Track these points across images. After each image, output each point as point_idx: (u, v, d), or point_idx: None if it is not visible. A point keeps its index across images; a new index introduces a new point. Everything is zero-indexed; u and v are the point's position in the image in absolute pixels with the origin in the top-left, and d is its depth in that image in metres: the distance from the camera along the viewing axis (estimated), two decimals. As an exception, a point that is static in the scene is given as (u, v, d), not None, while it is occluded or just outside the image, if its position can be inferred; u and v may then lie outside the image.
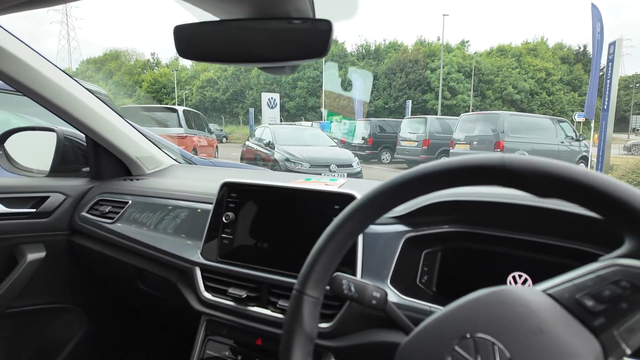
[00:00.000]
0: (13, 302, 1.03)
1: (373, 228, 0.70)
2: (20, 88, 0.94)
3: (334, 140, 15.34)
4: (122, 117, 1.18)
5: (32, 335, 1.11)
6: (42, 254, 1.07)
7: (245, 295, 0.73)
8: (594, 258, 0.38)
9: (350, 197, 0.71)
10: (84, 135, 1.15)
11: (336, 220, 0.46)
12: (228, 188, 0.83)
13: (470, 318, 0.36)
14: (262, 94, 24.20)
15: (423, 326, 0.38)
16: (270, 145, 7.56)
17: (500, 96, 37.21)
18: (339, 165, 6.91)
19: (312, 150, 7.30)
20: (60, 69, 1.00)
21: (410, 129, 13.51)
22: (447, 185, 0.42)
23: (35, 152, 1.24)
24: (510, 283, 0.62)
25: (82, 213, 1.11)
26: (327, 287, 0.46)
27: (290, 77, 39.91)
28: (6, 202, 1.03)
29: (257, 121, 25.20)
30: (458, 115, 11.74)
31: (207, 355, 0.78)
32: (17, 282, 1.02)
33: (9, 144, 1.19)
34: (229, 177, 0.85)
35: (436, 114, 24.63)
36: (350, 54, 43.45)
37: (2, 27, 0.86)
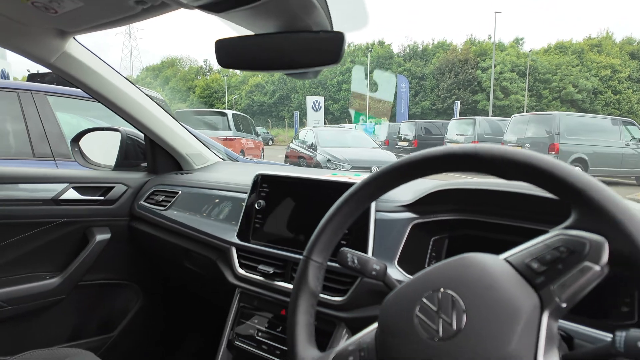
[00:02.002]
0: (84, 276, 1.22)
1: (384, 215, 0.78)
2: (95, 95, 1.12)
3: (378, 142, 15.26)
4: (175, 119, 1.35)
5: (98, 305, 1.30)
6: (108, 236, 1.25)
7: (272, 272, 0.84)
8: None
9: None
10: (142, 135, 1.33)
11: (339, 200, 0.55)
12: (261, 179, 0.95)
13: (438, 277, 0.44)
14: (307, 97, 24.62)
15: (403, 285, 0.47)
16: (312, 147, 7.74)
17: (558, 96, 34.95)
18: (380, 167, 6.92)
19: (354, 152, 7.38)
20: (124, 77, 1.18)
21: (458, 131, 13.14)
22: (433, 171, 0.50)
23: (103, 149, 1.44)
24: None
25: (140, 202, 1.28)
26: (336, 261, 0.56)
27: (335, 80, 40.10)
28: (80, 190, 1.22)
29: (302, 124, 25.66)
30: (511, 116, 11.26)
31: (239, 323, 0.90)
32: (88, 258, 1.21)
33: (82, 142, 1.40)
34: (263, 170, 0.97)
35: (487, 115, 23.70)
36: (397, 55, 42.88)
37: (81, 44, 1.04)
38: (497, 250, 0.63)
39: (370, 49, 39.35)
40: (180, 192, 1.20)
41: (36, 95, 2.29)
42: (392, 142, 16.76)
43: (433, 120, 19.31)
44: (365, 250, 0.76)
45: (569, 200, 0.40)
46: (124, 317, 1.33)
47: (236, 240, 0.94)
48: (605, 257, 0.36)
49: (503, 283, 0.40)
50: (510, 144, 10.44)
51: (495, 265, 0.42)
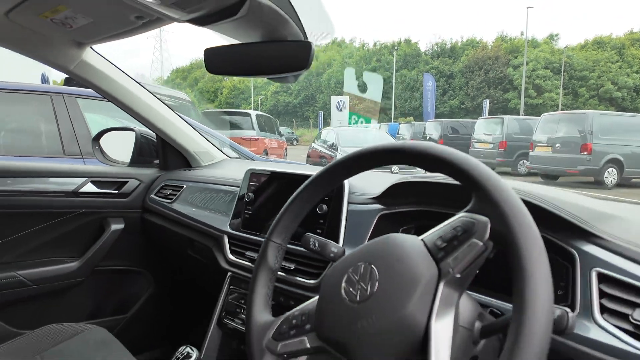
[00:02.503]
0: (100, 262, 1.35)
1: (355, 207, 0.85)
2: (110, 98, 1.24)
3: (402, 140, 14.92)
4: (184, 120, 1.46)
5: (113, 289, 1.43)
6: (122, 226, 1.37)
7: (257, 257, 0.93)
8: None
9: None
10: (155, 134, 1.44)
11: (298, 189, 0.63)
12: (250, 174, 1.04)
13: (364, 253, 0.51)
14: (332, 97, 24.65)
15: (339, 260, 0.54)
16: (333, 146, 7.82)
17: (596, 94, 33.36)
18: (401, 167, 6.90)
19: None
20: (137, 82, 1.30)
21: (486, 130, 12.83)
22: (371, 164, 0.57)
23: (122, 146, 1.58)
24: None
25: (151, 195, 1.40)
26: (302, 246, 0.63)
27: (361, 80, 40.07)
28: (98, 184, 1.35)
29: (327, 124, 25.72)
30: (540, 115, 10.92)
31: (229, 303, 0.99)
32: (103, 246, 1.34)
33: (102, 141, 1.53)
34: (253, 166, 1.06)
35: (518, 114, 22.98)
36: (424, 53, 42.22)
37: (97, 53, 1.16)
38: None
39: (396, 47, 38.92)
40: (184, 186, 1.31)
41: (67, 98, 2.48)
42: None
43: (460, 120, 18.91)
44: (337, 239, 0.83)
45: (469, 187, 0.46)
46: (136, 301, 1.45)
47: (228, 229, 1.03)
48: (487, 235, 0.42)
49: (411, 257, 0.46)
50: (540, 144, 10.11)
51: (410, 243, 0.48)
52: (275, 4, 0.70)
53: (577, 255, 0.57)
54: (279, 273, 0.89)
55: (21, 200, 1.23)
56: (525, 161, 11.18)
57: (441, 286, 0.44)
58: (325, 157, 8.13)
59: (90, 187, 1.33)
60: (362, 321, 0.46)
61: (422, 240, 0.49)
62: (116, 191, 1.38)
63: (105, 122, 2.82)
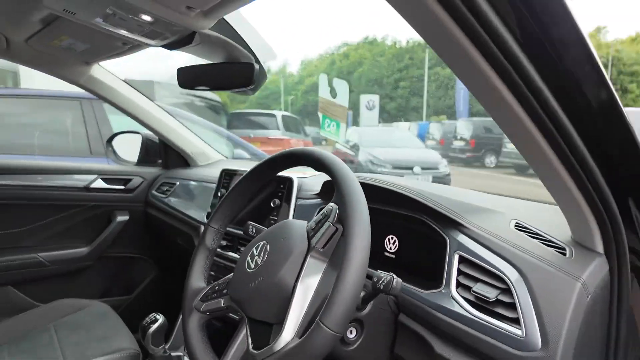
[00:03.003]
0: (107, 249, 1.56)
1: (301, 201, 0.98)
2: (115, 106, 1.44)
3: (433, 141, 14.89)
4: (183, 125, 1.64)
5: (119, 273, 1.64)
6: (127, 217, 1.58)
7: (225, 244, 1.09)
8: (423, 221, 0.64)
9: (290, 180, 1.01)
10: (157, 137, 1.63)
11: (235, 183, 0.77)
12: (224, 173, 1.19)
13: (266, 234, 0.65)
14: (361, 96, 24.61)
15: (252, 240, 0.68)
16: (355, 147, 7.90)
17: (646, 90, 31.33)
18: (423, 168, 6.87)
19: (397, 152, 7.39)
20: (139, 92, 1.48)
21: (519, 130, 12.45)
22: (281, 167, 0.71)
23: (130, 147, 1.78)
24: (386, 244, 0.84)
25: (152, 191, 1.59)
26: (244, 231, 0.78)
27: (392, 78, 39.58)
28: (107, 181, 1.56)
29: (357, 123, 25.78)
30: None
31: None
32: (110, 235, 1.54)
33: (115, 143, 1.74)
34: (227, 166, 1.21)
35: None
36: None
37: (103, 68, 1.36)
38: (386, 228, 0.81)
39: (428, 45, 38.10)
40: (177, 183, 1.49)
41: (94, 102, 2.75)
42: (448, 142, 16.24)
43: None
44: None
45: (334, 182, 0.59)
46: (139, 284, 1.65)
47: (205, 220, 1.19)
48: (335, 218, 0.55)
49: (293, 236, 0.60)
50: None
51: (296, 225, 0.62)
52: (223, 34, 0.85)
53: (448, 241, 0.68)
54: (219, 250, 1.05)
55: (40, 194, 1.45)
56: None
57: (308, 257, 0.57)
58: (349, 157, 8.21)
59: (100, 184, 1.54)
60: (252, 284, 0.60)
61: (307, 224, 0.62)
62: (122, 187, 1.58)
63: (129, 122, 3.09)
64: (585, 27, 0.40)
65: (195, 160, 1.67)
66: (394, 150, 7.53)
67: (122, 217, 1.57)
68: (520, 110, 0.45)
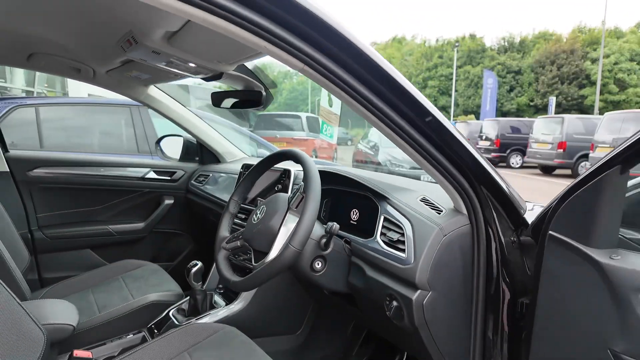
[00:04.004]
0: (157, 225, 2.03)
1: (296, 185, 1.39)
2: (166, 116, 1.90)
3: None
4: (215, 130, 2.08)
5: (165, 245, 2.11)
6: (172, 201, 2.04)
7: (243, 217, 1.51)
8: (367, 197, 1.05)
9: (289, 171, 1.42)
10: (195, 139, 2.09)
11: (246, 174, 1.19)
12: (244, 166, 1.62)
13: (266, 200, 1.06)
14: (388, 96, 24.65)
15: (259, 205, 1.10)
16: (375, 147, 8.22)
17: (692, 88, 29.67)
18: None
19: (415, 151, 7.61)
20: (182, 105, 1.93)
21: (545, 130, 12.30)
22: (273, 163, 1.12)
23: (173, 147, 2.25)
24: (351, 215, 1.23)
25: (192, 181, 2.04)
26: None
27: (421, 77, 39.29)
28: (158, 173, 2.03)
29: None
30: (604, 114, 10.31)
31: None
32: (159, 214, 2.01)
33: (162, 143, 2.21)
34: (247, 162, 1.64)
35: (594, 112, 21.30)
36: (490, 48, 40.20)
37: (157, 88, 1.81)
38: (351, 204, 1.21)
39: (457, 44, 37.51)
40: (211, 175, 1.94)
41: (141, 109, 3.27)
42: (473, 141, 16.15)
43: (522, 119, 18.08)
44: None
45: (303, 170, 0.99)
46: (180, 254, 2.12)
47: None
48: (302, 190, 0.96)
49: (280, 202, 1.01)
50: (602, 144, 9.61)
51: (282, 196, 1.03)
52: (242, 74, 1.27)
53: (379, 208, 1.07)
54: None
55: (110, 182, 1.94)
56: (586, 163, 10.62)
57: (287, 213, 0.98)
58: (369, 157, 8.53)
59: (152, 175, 2.01)
60: (255, 229, 1.01)
61: (289, 195, 1.03)
62: (169, 178, 2.05)
63: (170, 125, 3.60)
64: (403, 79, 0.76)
65: (224, 157, 2.11)
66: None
67: (168, 201, 2.04)
68: (392, 134, 0.82)
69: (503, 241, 0.90)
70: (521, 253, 0.91)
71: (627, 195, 0.77)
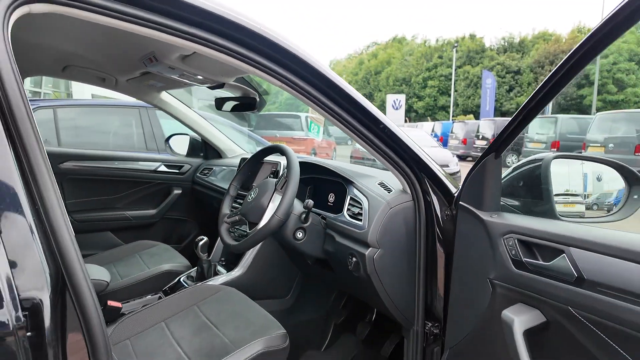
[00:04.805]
0: (167, 212, 2.33)
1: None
2: (175, 117, 2.20)
3: (456, 140, 15.03)
4: (215, 127, 2.38)
5: (173, 230, 2.41)
6: (180, 191, 2.35)
7: (240, 202, 1.81)
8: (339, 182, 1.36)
9: (279, 163, 1.72)
10: (199, 137, 2.39)
11: (243, 164, 1.49)
12: (241, 160, 1.92)
13: (258, 184, 1.36)
14: (388, 95, 25.00)
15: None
16: (371, 145, 8.49)
17: (691, 88, 29.86)
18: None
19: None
20: (189, 107, 2.23)
21: (540, 130, 12.60)
22: (265, 155, 1.43)
23: (180, 145, 2.55)
24: (329, 198, 1.53)
25: (197, 174, 2.35)
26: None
27: (421, 77, 39.52)
28: (168, 166, 2.34)
29: (381, 122, 26.03)
30: (595, 114, 10.58)
31: None
32: (168, 203, 2.31)
33: (171, 142, 2.52)
34: (245, 156, 1.94)
35: (591, 112, 21.55)
36: (489, 49, 40.40)
37: (168, 93, 2.11)
38: (328, 189, 1.51)
39: (456, 44, 37.73)
40: (214, 168, 2.24)
41: (149, 110, 3.57)
42: (470, 141, 16.46)
43: (519, 118, 18.26)
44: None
45: (286, 160, 1.29)
46: (187, 238, 2.42)
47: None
48: (285, 174, 1.26)
49: (269, 185, 1.31)
50: (593, 144, 9.87)
51: (271, 181, 1.33)
52: (240, 83, 1.57)
53: (347, 190, 1.36)
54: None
55: (127, 173, 2.25)
56: (578, 162, 10.86)
57: (274, 193, 1.28)
58: (366, 156, 8.84)
59: (163, 168, 2.32)
60: (249, 205, 1.31)
61: (276, 180, 1.33)
62: (177, 171, 2.36)
63: (175, 125, 3.91)
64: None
65: (226, 153, 2.42)
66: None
67: (177, 191, 2.35)
68: (351, 132, 1.12)
69: (439, 213, 1.20)
70: (453, 223, 1.21)
71: (508, 175, 1.07)
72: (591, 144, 9.93)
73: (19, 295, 0.52)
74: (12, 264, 0.53)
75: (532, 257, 0.88)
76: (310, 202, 1.27)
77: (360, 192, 1.30)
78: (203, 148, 2.43)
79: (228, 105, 1.67)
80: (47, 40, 1.37)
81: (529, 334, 0.86)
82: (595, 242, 0.77)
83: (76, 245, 0.63)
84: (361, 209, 1.26)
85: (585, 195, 1.22)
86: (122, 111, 3.62)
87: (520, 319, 0.87)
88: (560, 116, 12.43)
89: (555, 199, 1.02)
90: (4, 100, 0.59)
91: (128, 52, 1.45)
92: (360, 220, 1.24)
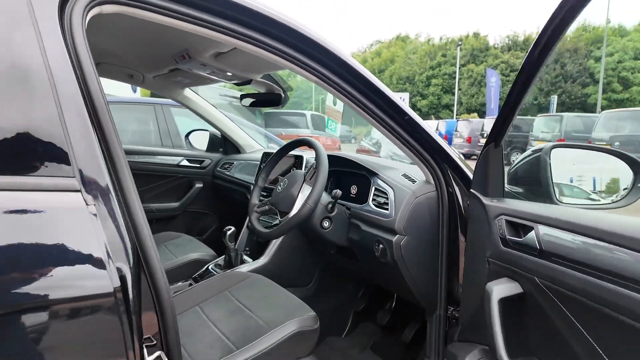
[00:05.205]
0: (189, 205, 2.41)
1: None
2: (196, 113, 2.27)
3: (460, 139, 15.00)
4: (235, 124, 2.45)
5: (195, 222, 2.49)
6: (201, 185, 2.42)
7: (266, 194, 1.88)
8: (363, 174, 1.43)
9: (302, 157, 1.79)
10: (219, 132, 2.46)
11: (269, 159, 1.56)
12: (264, 154, 1.99)
13: (287, 175, 1.44)
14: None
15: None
16: (377, 144, 8.56)
17: (697, 86, 29.70)
18: None
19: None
20: (211, 104, 2.31)
21: (545, 128, 12.61)
22: (292, 148, 1.50)
23: (200, 140, 2.63)
24: (352, 190, 1.60)
25: (217, 168, 2.42)
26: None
27: (424, 76, 39.45)
28: (190, 161, 2.41)
29: (385, 121, 26.05)
30: (600, 112, 10.58)
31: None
32: (190, 196, 2.39)
33: (191, 137, 2.59)
34: (266, 150, 2.01)
35: (596, 110, 21.50)
36: (494, 47, 40.26)
37: (191, 90, 2.19)
38: (351, 182, 1.59)
39: (460, 42, 37.62)
40: (234, 162, 2.32)
41: (164, 107, 3.65)
42: (475, 140, 16.46)
43: (523, 117, 18.35)
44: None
45: (315, 153, 1.36)
46: (208, 230, 2.50)
47: (252, 182, 2.00)
48: (314, 166, 1.33)
49: (298, 176, 1.38)
50: (600, 142, 9.88)
51: (299, 172, 1.40)
52: (267, 80, 1.64)
53: (372, 182, 1.43)
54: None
55: (152, 167, 2.33)
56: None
57: (304, 184, 1.35)
58: (372, 153, 8.88)
59: (185, 162, 2.40)
60: (279, 195, 1.38)
61: (304, 172, 1.40)
62: (199, 165, 2.43)
63: (189, 122, 3.99)
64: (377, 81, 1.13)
65: (244, 148, 2.49)
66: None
67: (198, 185, 2.42)
68: (379, 125, 1.18)
69: (461, 203, 1.26)
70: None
71: (514, 166, 1.15)
72: (597, 142, 9.94)
73: (115, 264, 0.60)
74: (109, 237, 0.60)
75: (515, 235, 0.98)
76: (339, 192, 1.34)
77: (385, 183, 1.37)
78: (222, 143, 2.51)
79: (254, 101, 1.74)
80: (91, 40, 1.44)
81: (506, 303, 0.96)
82: (556, 218, 0.88)
83: (147, 224, 0.70)
84: (387, 198, 1.33)
85: (593, 182, 1.30)
86: (138, 108, 3.70)
87: (498, 288, 0.97)
88: (565, 114, 12.42)
89: (558, 185, 1.11)
90: (86, 93, 0.66)
91: (162, 50, 1.52)
92: (387, 209, 1.30)
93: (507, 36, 41.03)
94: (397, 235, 1.25)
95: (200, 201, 2.46)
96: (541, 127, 12.76)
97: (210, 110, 2.28)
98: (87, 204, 0.60)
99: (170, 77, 1.87)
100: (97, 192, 0.62)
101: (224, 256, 1.75)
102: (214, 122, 2.32)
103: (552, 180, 1.17)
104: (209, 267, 1.74)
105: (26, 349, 0.54)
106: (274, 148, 3.39)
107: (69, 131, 0.61)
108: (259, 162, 2.09)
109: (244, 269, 1.68)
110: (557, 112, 19.38)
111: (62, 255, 0.57)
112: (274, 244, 1.75)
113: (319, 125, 11.08)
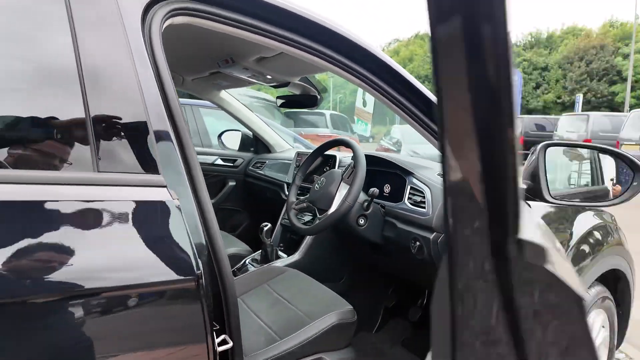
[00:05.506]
0: (222, 203, 2.50)
1: (341, 168, 1.82)
2: (230, 114, 2.36)
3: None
4: (266, 124, 2.53)
5: (229, 219, 2.58)
6: (234, 183, 2.51)
7: (299, 192, 1.95)
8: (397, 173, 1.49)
9: (335, 156, 1.84)
10: (251, 133, 2.55)
11: (306, 157, 1.63)
12: (297, 153, 2.06)
13: (324, 174, 1.50)
14: (410, 93, 24.75)
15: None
16: (397, 143, 8.57)
17: None
18: None
19: (434, 148, 7.94)
20: (244, 105, 2.39)
21: (570, 128, 12.31)
22: (329, 148, 1.56)
23: (233, 140, 2.71)
24: (384, 189, 1.65)
25: (249, 167, 2.50)
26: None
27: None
28: (223, 160, 2.51)
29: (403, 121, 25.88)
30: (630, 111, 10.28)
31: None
32: (224, 194, 2.48)
33: (223, 137, 2.68)
34: (301, 150, 2.08)
35: (624, 110, 20.85)
36: (516, 44, 39.40)
37: (226, 92, 2.27)
38: (384, 181, 1.65)
39: (482, 41, 36.88)
40: (266, 162, 2.39)
41: (194, 108, 3.77)
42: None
43: (547, 116, 17.96)
44: None
45: (353, 153, 1.41)
46: (240, 227, 2.59)
47: (285, 181, 2.07)
48: (352, 166, 1.38)
49: (335, 175, 1.45)
50: (628, 142, 9.61)
51: (337, 171, 1.47)
52: (304, 83, 1.71)
53: (407, 181, 1.48)
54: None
55: None
56: (611, 160, 10.60)
57: (341, 182, 1.41)
58: (392, 152, 8.90)
59: (219, 162, 2.49)
60: (318, 193, 1.45)
61: (342, 171, 1.46)
62: (232, 164, 2.52)
63: (217, 122, 4.10)
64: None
65: (275, 148, 2.57)
66: (431, 146, 8.07)
67: (231, 183, 2.52)
68: (418, 126, 1.23)
69: None
70: None
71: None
72: (625, 142, 9.68)
73: (196, 250, 0.67)
74: (190, 228, 0.67)
75: None
76: (376, 190, 1.40)
77: (422, 182, 1.42)
78: (254, 143, 2.59)
79: (291, 102, 1.81)
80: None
81: None
82: None
83: (215, 220, 0.78)
84: (423, 197, 1.37)
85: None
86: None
87: None
88: (591, 113, 12.09)
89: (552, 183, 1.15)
90: (163, 98, 0.74)
91: (208, 54, 1.60)
92: (423, 207, 1.35)
93: (530, 33, 40.12)
94: (435, 233, 1.29)
95: (233, 199, 2.55)
96: (566, 127, 12.46)
97: (244, 111, 2.37)
98: (172, 198, 0.67)
99: (209, 80, 1.95)
100: (179, 188, 0.69)
101: (260, 251, 1.82)
102: (247, 123, 2.40)
103: (546, 178, 1.20)
104: (246, 262, 1.82)
105: (123, 327, 0.61)
106: (300, 147, 3.48)
107: (155, 134, 0.68)
108: (290, 161, 2.15)
109: (279, 263, 1.75)
110: (583, 110, 18.87)
111: (159, 241, 0.64)
112: (307, 241, 1.81)
113: (337, 125, 11.13)
